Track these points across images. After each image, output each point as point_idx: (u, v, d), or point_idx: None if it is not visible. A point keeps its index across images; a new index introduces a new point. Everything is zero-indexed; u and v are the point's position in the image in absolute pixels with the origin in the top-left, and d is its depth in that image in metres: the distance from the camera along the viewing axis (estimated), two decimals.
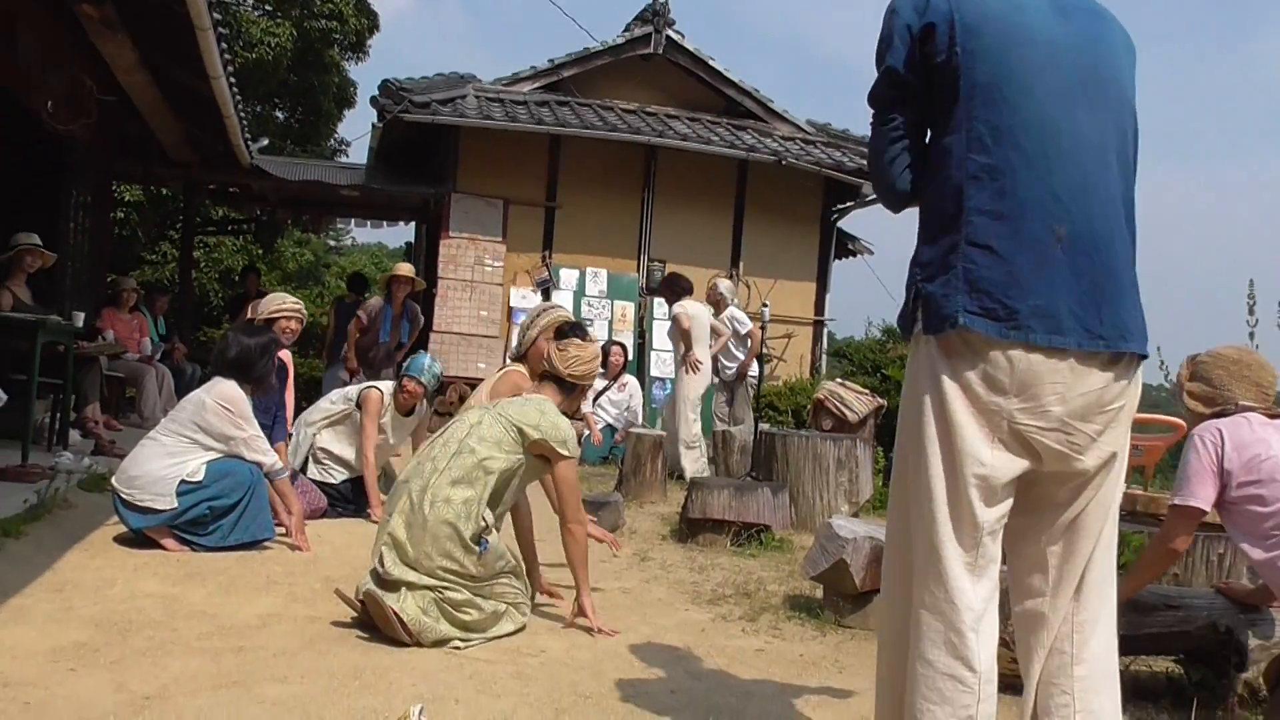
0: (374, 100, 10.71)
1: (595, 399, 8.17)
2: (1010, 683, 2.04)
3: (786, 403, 10.19)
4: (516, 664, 2.79)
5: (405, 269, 8.21)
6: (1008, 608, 1.94)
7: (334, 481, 4.93)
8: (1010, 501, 1.74)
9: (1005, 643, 2.17)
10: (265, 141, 12.60)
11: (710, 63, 11.33)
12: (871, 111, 1.83)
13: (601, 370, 7.51)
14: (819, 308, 11.63)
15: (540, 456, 3.16)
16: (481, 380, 9.96)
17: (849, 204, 11.61)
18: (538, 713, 2.41)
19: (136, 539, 3.83)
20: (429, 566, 2.88)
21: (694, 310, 7.10)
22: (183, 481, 3.83)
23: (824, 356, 11.79)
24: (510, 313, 10.49)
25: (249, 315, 6.36)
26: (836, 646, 3.24)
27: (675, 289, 7.23)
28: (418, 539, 2.90)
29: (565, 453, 3.13)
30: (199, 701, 2.28)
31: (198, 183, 10.87)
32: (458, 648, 2.87)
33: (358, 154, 20.53)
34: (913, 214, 1.86)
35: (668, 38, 10.97)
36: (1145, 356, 1.75)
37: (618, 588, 3.84)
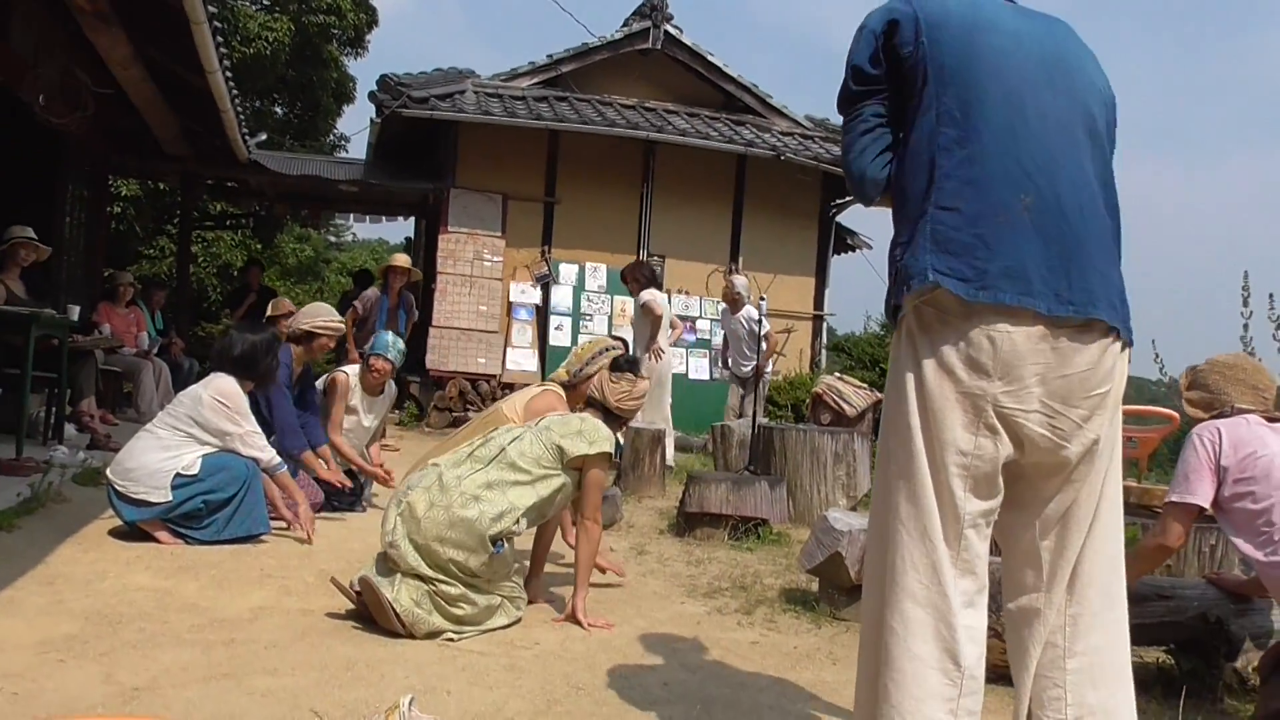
0: (372, 95, 10.69)
1: None
2: (1003, 674, 2.02)
3: (785, 397, 10.18)
4: (510, 656, 2.77)
5: (401, 259, 8.17)
6: (998, 600, 1.93)
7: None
8: (998, 498, 1.72)
9: (996, 634, 2.16)
10: (263, 136, 12.57)
11: (709, 58, 11.31)
12: (842, 116, 1.87)
13: None
14: (818, 302, 11.62)
15: (577, 469, 3.18)
16: (481, 373, 9.98)
17: (848, 199, 11.58)
18: (530, 704, 2.40)
19: (130, 532, 3.81)
20: (436, 554, 2.87)
21: (661, 299, 7.22)
22: (178, 475, 3.82)
23: (823, 351, 11.78)
24: (510, 308, 10.48)
25: (271, 314, 6.37)
26: (831, 639, 3.23)
27: (643, 277, 7.28)
28: (437, 521, 2.89)
29: (595, 451, 3.14)
30: (189, 693, 2.27)
31: (195, 177, 10.85)
32: (451, 639, 2.86)
33: (357, 149, 20.47)
34: None
35: (666, 33, 10.95)
36: (1127, 339, 1.73)
37: (614, 581, 3.82)
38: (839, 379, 7.15)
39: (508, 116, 10.01)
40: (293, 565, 3.63)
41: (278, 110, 16.93)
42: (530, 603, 3.30)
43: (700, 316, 10.94)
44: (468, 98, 10.34)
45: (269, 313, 6.58)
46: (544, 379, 10.56)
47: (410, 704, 2.13)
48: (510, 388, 10.20)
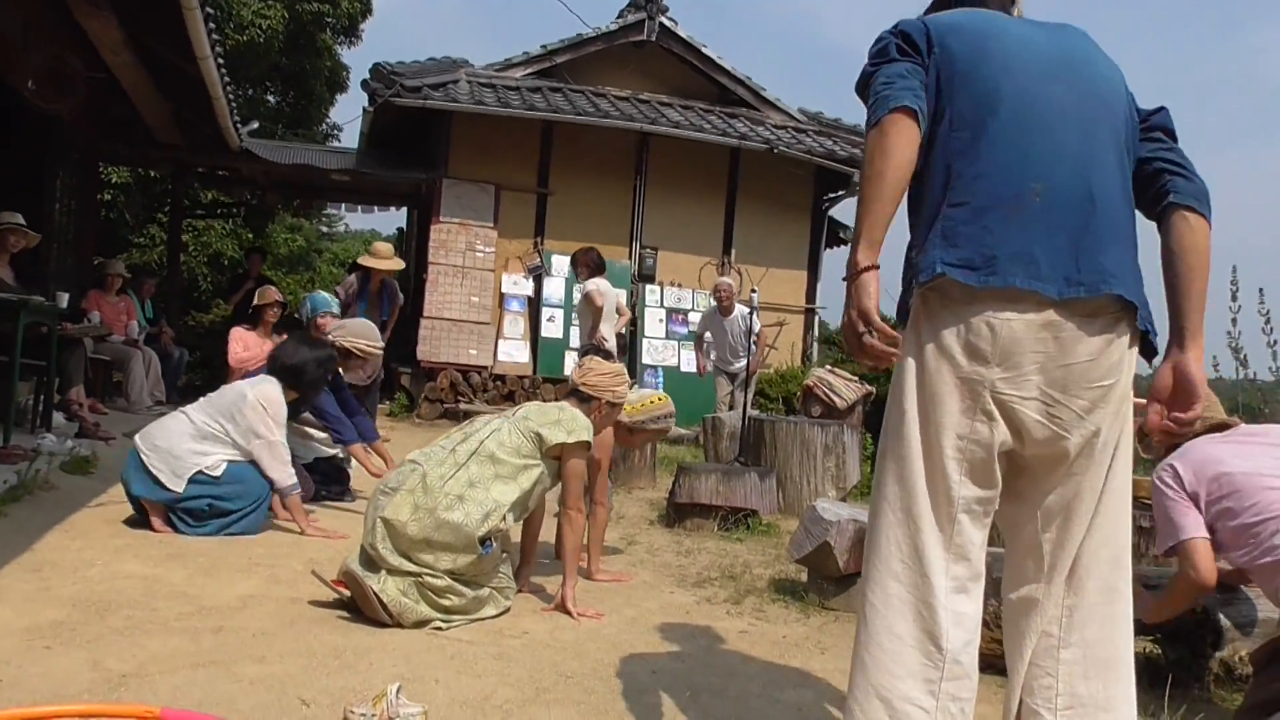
0: (365, 84, 10.65)
1: None
2: (990, 662, 2.03)
3: (777, 389, 10.20)
4: (499, 645, 2.78)
5: (377, 258, 7.86)
6: (994, 588, 1.93)
7: (306, 460, 4.89)
8: (995, 489, 1.73)
9: (986, 623, 2.16)
10: (255, 125, 12.45)
11: (703, 50, 11.29)
12: (869, 74, 1.76)
13: None
14: (810, 296, 11.64)
15: (556, 458, 3.18)
16: (472, 365, 9.91)
17: (840, 193, 11.60)
18: (518, 692, 2.40)
19: (118, 519, 3.81)
20: (424, 560, 2.87)
21: (605, 288, 7.26)
22: (200, 472, 3.83)
23: (815, 344, 11.80)
24: (502, 299, 10.47)
25: (258, 304, 6.36)
26: (819, 628, 3.24)
27: (591, 263, 7.33)
28: (423, 524, 2.87)
29: (574, 440, 3.13)
30: (176, 680, 2.26)
31: (186, 165, 10.80)
32: (439, 629, 2.86)
33: (349, 138, 20.38)
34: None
35: (660, 25, 10.92)
36: (1144, 328, 1.72)
37: (603, 569, 3.83)
38: (830, 371, 7.16)
39: (501, 107, 9.98)
40: (281, 554, 3.62)
41: (270, 98, 16.83)
42: (519, 592, 3.30)
43: (693, 309, 10.94)
44: (461, 87, 10.31)
45: (255, 302, 6.58)
46: (535, 371, 10.61)
47: (398, 692, 2.13)
48: (502, 380, 10.21)
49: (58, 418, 5.83)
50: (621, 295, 7.76)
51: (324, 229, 24.66)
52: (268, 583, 3.22)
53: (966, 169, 1.68)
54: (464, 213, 10.34)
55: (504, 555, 3.16)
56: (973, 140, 1.69)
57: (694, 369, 10.48)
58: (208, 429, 3.91)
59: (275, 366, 4.19)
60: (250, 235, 15.77)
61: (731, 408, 7.88)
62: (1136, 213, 1.80)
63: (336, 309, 5.46)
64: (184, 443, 3.86)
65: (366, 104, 10.69)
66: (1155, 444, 2.71)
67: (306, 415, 4.78)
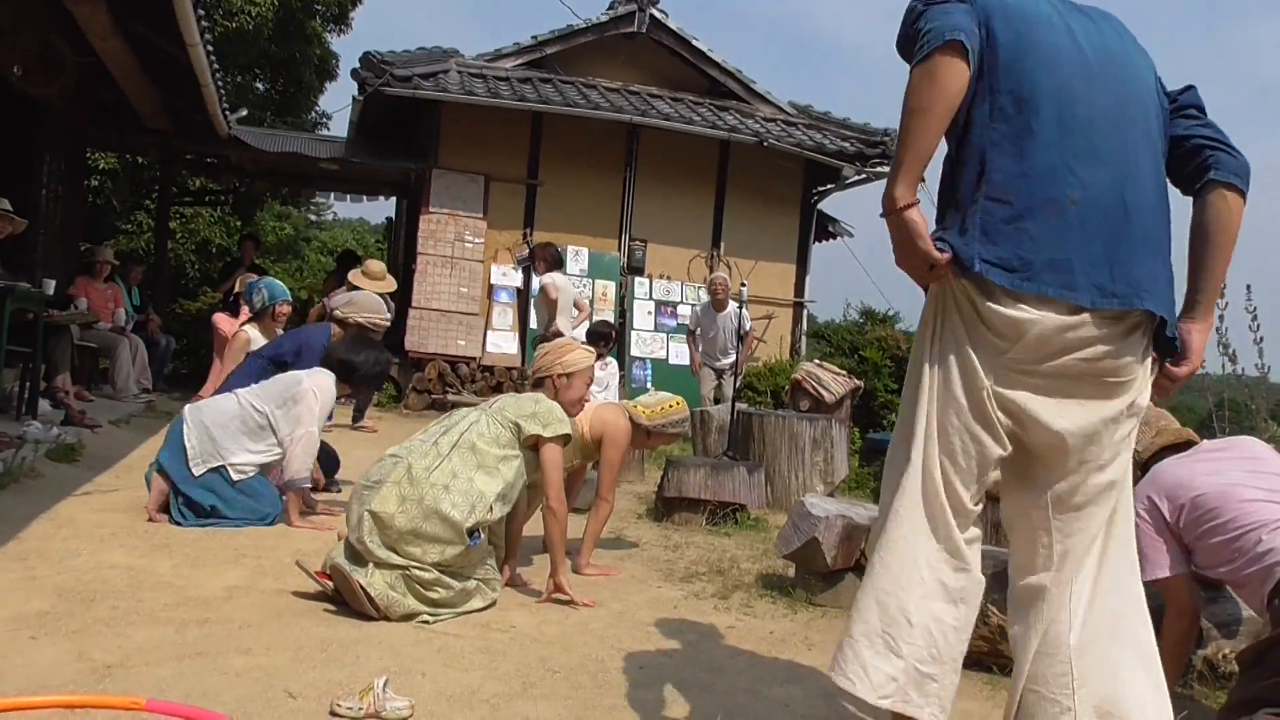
0: (355, 73, 10.57)
1: None
2: (976, 659, 2.05)
3: (765, 383, 10.21)
4: (485, 638, 2.78)
5: (373, 281, 7.75)
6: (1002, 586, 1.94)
7: None
8: (995, 473, 1.78)
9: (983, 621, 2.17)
10: (244, 112, 12.38)
11: (694, 42, 11.27)
12: (922, 9, 1.72)
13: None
14: (799, 289, 11.65)
15: (534, 448, 3.18)
16: (461, 355, 9.91)
17: (829, 186, 11.61)
18: (505, 686, 2.41)
19: (104, 509, 3.79)
20: (412, 553, 2.86)
21: (560, 282, 7.37)
22: (227, 466, 3.86)
23: (803, 338, 11.82)
24: (490, 290, 10.44)
25: (239, 290, 6.33)
26: (807, 624, 3.26)
27: (549, 258, 7.43)
28: (410, 515, 2.87)
29: (550, 434, 3.15)
30: (161, 671, 2.26)
31: (175, 152, 10.72)
32: (426, 622, 2.86)
33: (339, 127, 20.33)
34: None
35: (651, 17, 10.89)
36: (1170, 336, 1.77)
37: (592, 564, 3.83)
38: (818, 365, 7.18)
39: (491, 97, 9.94)
40: (268, 545, 3.61)
41: (259, 86, 16.69)
42: (505, 585, 3.30)
43: (681, 301, 10.94)
44: (451, 77, 10.25)
45: (235, 289, 6.56)
46: (523, 363, 10.60)
47: (384, 685, 2.13)
48: (490, 371, 10.20)
49: (44, 405, 5.80)
50: (581, 291, 7.83)
51: (312, 217, 24.52)
52: (254, 574, 3.21)
53: (1007, 166, 1.69)
54: (453, 203, 10.30)
55: (491, 547, 3.16)
56: (1013, 136, 1.70)
57: (683, 361, 10.52)
58: (254, 418, 3.96)
59: (332, 360, 4.23)
60: (239, 223, 15.68)
61: (717, 401, 7.90)
62: (1170, 217, 1.83)
63: (289, 297, 5.51)
64: (227, 429, 3.92)
65: (356, 93, 10.62)
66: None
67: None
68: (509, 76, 10.72)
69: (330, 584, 2.94)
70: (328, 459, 4.95)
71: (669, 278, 11.02)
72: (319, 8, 15.74)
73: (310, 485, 4.17)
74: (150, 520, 3.78)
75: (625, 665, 2.65)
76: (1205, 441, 2.72)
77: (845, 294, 50.93)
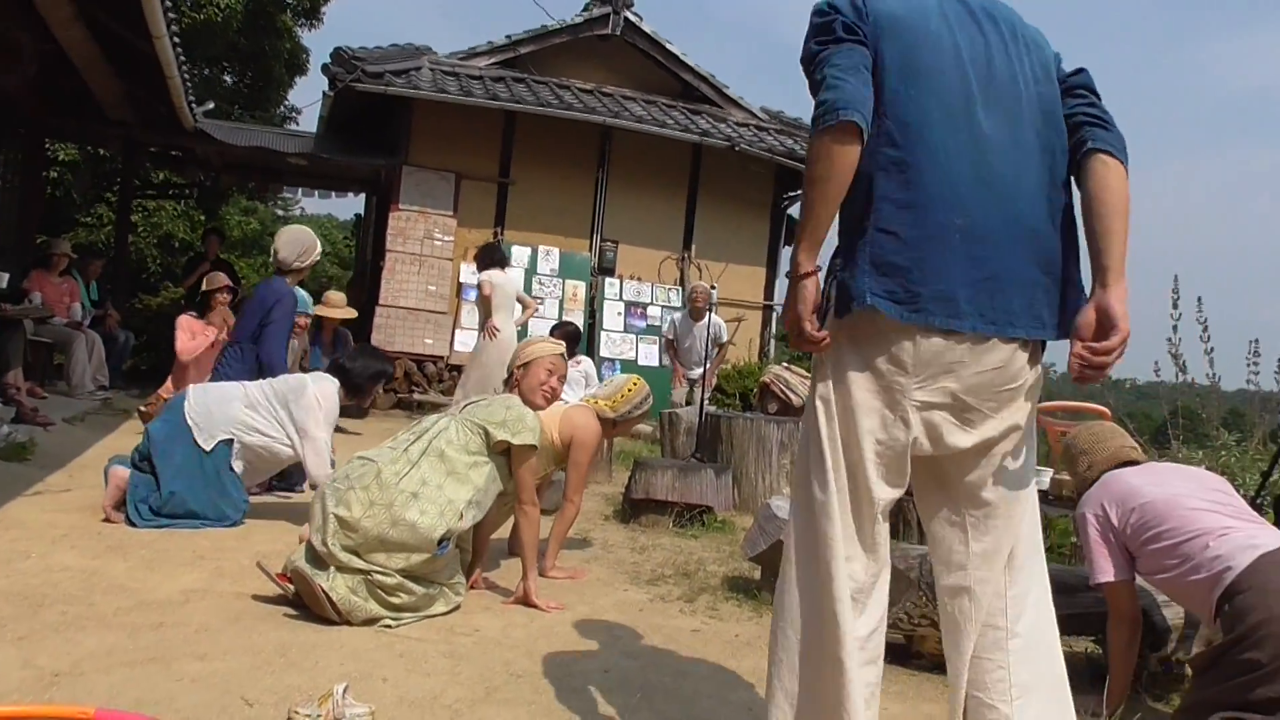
0: (326, 68, 10.45)
1: None
2: (938, 663, 2.05)
3: (734, 386, 10.23)
4: (449, 642, 2.74)
5: (332, 309, 7.75)
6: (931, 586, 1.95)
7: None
8: (903, 488, 1.79)
9: (933, 622, 2.18)
10: (211, 105, 12.15)
11: (667, 46, 11.27)
12: (816, 53, 1.76)
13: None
14: (769, 292, 11.69)
15: (504, 454, 3.15)
16: (428, 354, 9.87)
17: (800, 191, 11.63)
18: (468, 691, 2.37)
19: (57, 510, 3.69)
20: (376, 559, 2.82)
21: (497, 279, 7.36)
22: (221, 445, 3.87)
23: (772, 341, 11.86)
24: (459, 288, 10.36)
25: (207, 289, 6.23)
26: None
27: (485, 259, 7.47)
28: (378, 520, 2.82)
29: (519, 442, 3.12)
30: (113, 678, 2.20)
31: (138, 144, 10.51)
32: (389, 626, 2.81)
33: (309, 122, 20.08)
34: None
35: (626, 19, 10.88)
36: (1045, 339, 1.80)
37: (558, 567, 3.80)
38: (787, 369, 7.18)
39: (464, 95, 9.87)
40: (227, 547, 3.54)
41: (227, 79, 16.43)
42: (471, 588, 3.26)
43: (652, 303, 10.93)
44: (423, 75, 10.17)
45: (204, 287, 6.46)
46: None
47: (344, 692, 2.09)
48: (458, 370, 10.10)
49: None
50: (520, 286, 7.86)
51: (279, 212, 24.18)
52: (212, 577, 3.14)
53: (894, 193, 1.72)
54: (423, 200, 10.21)
55: (458, 551, 3.12)
56: (900, 164, 1.72)
57: (652, 362, 10.52)
58: (261, 403, 3.98)
59: (333, 365, 4.30)
60: (203, 217, 15.44)
61: (689, 402, 7.90)
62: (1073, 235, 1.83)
63: (310, 310, 5.55)
64: (231, 406, 3.93)
65: (327, 88, 10.50)
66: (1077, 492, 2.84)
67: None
68: (482, 75, 10.65)
69: (291, 587, 2.89)
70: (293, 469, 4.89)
71: (640, 279, 11.01)
72: (290, 2, 15.54)
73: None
74: (106, 520, 3.69)
75: (590, 669, 2.63)
76: (1153, 462, 2.79)
77: None
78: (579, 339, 8.00)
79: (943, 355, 1.72)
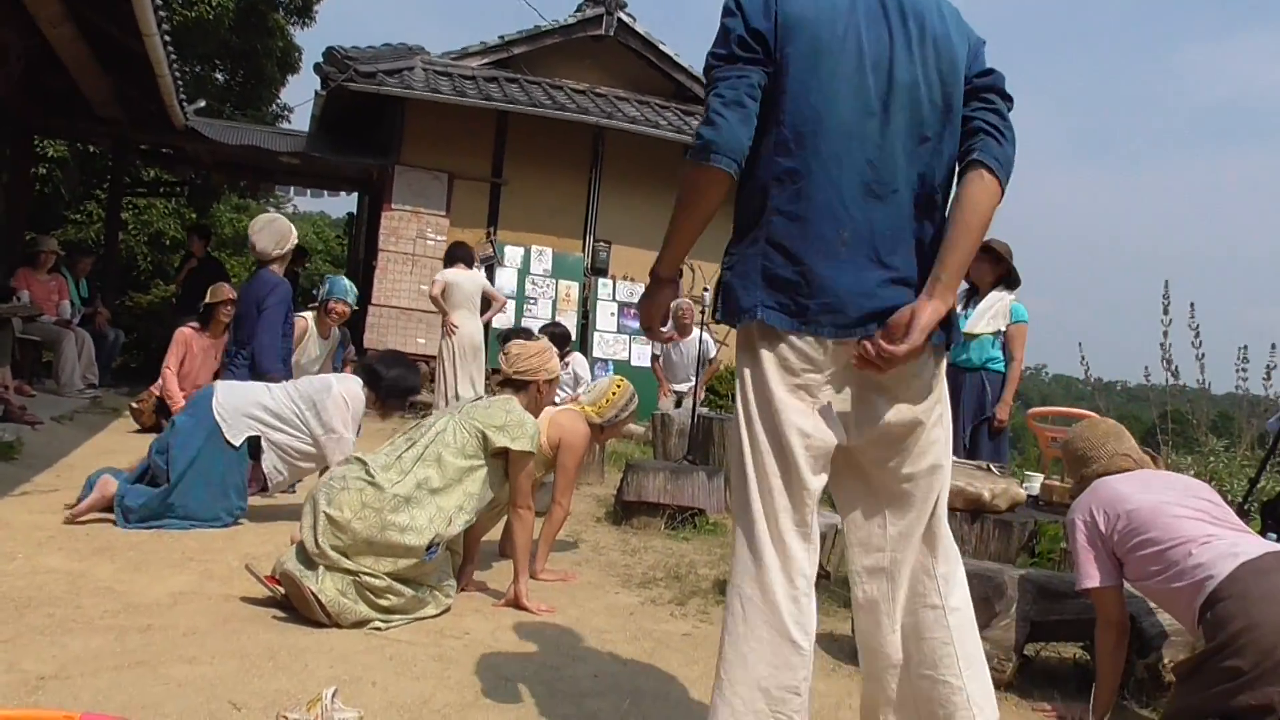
0: (318, 68, 10.42)
1: None
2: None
3: (726, 387, 10.23)
4: (439, 646, 2.73)
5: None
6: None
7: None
8: (825, 475, 1.84)
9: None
10: (202, 103, 12.10)
11: (661, 47, 11.28)
12: (709, 68, 1.79)
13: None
14: None
15: (500, 457, 3.14)
16: (420, 354, 9.88)
17: None
18: (458, 695, 2.36)
19: (45, 510, 3.66)
20: (365, 562, 2.81)
21: (450, 278, 7.45)
22: (264, 438, 3.93)
23: None
24: None
25: (210, 301, 6.12)
26: None
27: (447, 258, 7.62)
28: (369, 524, 2.82)
29: (519, 448, 3.11)
30: (99, 683, 2.18)
31: (128, 142, 10.46)
32: (378, 628, 2.80)
33: (301, 120, 20.00)
34: None
35: (619, 20, 10.89)
36: (939, 343, 1.83)
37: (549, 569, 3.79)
38: None
39: (456, 95, 9.85)
40: (216, 548, 3.52)
41: (219, 76, 16.38)
42: (462, 590, 3.25)
43: None
44: (416, 74, 10.15)
45: (207, 299, 6.30)
46: (489, 362, 10.57)
47: (333, 696, 2.08)
48: None
49: None
50: (485, 284, 7.89)
51: (272, 209, 24.14)
52: (200, 579, 3.13)
53: (786, 205, 1.76)
54: (416, 200, 10.19)
55: (448, 553, 3.11)
56: (792, 174, 1.76)
57: (645, 364, 10.50)
58: (286, 407, 4.01)
59: (367, 369, 4.31)
60: (194, 214, 15.36)
61: (678, 407, 7.88)
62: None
63: (353, 300, 5.70)
64: (256, 406, 3.98)
65: (319, 87, 10.47)
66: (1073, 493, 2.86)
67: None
68: (475, 75, 10.64)
69: (280, 589, 2.87)
70: None
71: (633, 279, 11.00)
72: (283, 0, 15.50)
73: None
74: (75, 521, 3.63)
75: (580, 674, 2.62)
76: (1142, 471, 2.79)
77: None
78: (568, 341, 8.00)
79: (839, 356, 1.78)
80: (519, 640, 2.86)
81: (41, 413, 5.83)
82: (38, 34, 6.63)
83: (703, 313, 7.30)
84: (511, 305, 10.48)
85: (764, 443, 1.80)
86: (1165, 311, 6.07)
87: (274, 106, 17.57)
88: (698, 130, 1.77)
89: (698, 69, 11.53)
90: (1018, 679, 2.89)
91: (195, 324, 6.30)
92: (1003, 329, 4.94)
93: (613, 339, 10.82)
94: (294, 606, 2.82)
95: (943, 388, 1.90)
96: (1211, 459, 5.77)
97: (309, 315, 5.55)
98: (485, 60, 10.96)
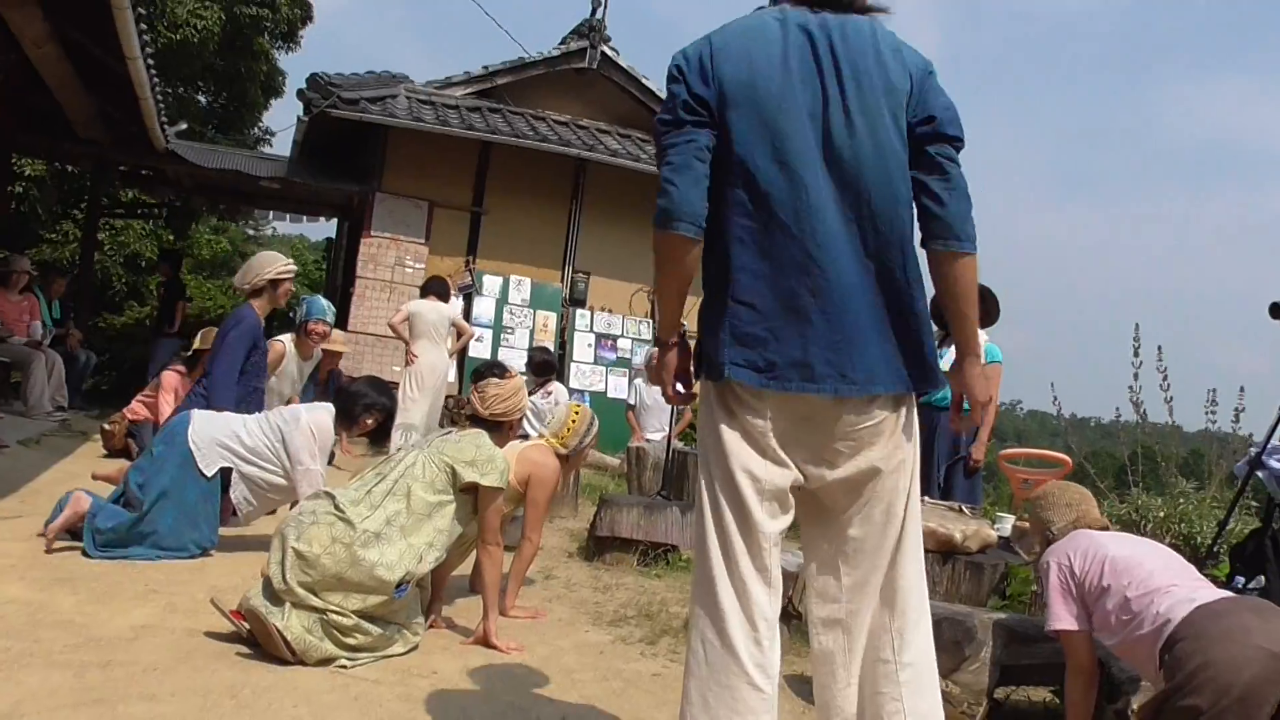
0: (301, 93, 10.45)
1: None
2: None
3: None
4: (405, 685, 2.70)
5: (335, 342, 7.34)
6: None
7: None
8: (788, 517, 1.87)
9: None
10: (183, 126, 12.08)
11: (644, 81, 11.40)
12: (658, 133, 1.86)
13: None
14: None
15: (469, 492, 3.12)
16: (395, 381, 9.87)
17: None
18: None
19: (8, 538, 3.59)
20: (333, 599, 2.78)
21: (415, 308, 7.61)
22: (237, 471, 3.90)
23: None
24: None
25: (198, 347, 6.01)
26: None
27: (421, 289, 7.77)
28: (338, 559, 2.79)
29: (488, 484, 3.10)
30: None
31: (108, 162, 10.41)
32: (344, 667, 2.76)
33: (282, 145, 20.00)
34: None
35: (603, 54, 11.00)
36: (914, 390, 1.87)
37: (519, 606, 3.76)
38: None
39: (440, 124, 9.90)
40: (181, 580, 3.47)
41: (201, 99, 16.37)
42: (429, 628, 3.22)
43: (622, 335, 10.96)
44: (400, 102, 10.19)
45: (195, 345, 6.19)
46: (460, 391, 10.53)
47: None
48: None
49: None
50: (454, 315, 7.86)
51: (250, 232, 24.01)
52: (164, 612, 3.08)
53: (749, 264, 1.81)
54: (395, 227, 10.20)
55: (417, 590, 3.08)
56: (753, 232, 1.80)
57: (621, 395, 10.52)
58: (257, 440, 3.98)
59: (337, 393, 4.28)
60: (171, 237, 15.27)
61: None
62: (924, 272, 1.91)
63: (330, 318, 5.60)
64: (229, 436, 3.95)
65: (302, 113, 10.49)
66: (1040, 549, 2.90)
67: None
68: (458, 105, 10.70)
69: (245, 625, 2.83)
70: None
71: (611, 311, 11.03)
72: (268, 25, 15.54)
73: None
74: (44, 536, 3.59)
75: (547, 714, 2.60)
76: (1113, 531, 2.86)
77: None
78: (553, 369, 7.99)
79: (798, 409, 1.82)
80: (487, 679, 2.83)
81: (8, 436, 5.74)
82: (19, 51, 6.61)
83: None
84: (489, 335, 10.47)
85: (719, 486, 1.85)
86: (1135, 354, 6.16)
87: (256, 130, 17.58)
88: (657, 198, 1.82)
89: None
90: None
91: (181, 367, 6.24)
92: None
93: (590, 370, 10.82)
94: (259, 643, 2.78)
95: (905, 436, 1.90)
96: (1181, 500, 5.83)
97: (287, 339, 5.49)
98: (469, 90, 11.03)
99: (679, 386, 1.96)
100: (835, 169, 1.80)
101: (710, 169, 1.82)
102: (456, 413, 9.28)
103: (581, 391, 10.63)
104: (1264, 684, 2.17)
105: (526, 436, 4.25)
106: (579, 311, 10.89)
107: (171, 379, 6.16)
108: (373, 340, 10.00)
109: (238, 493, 3.96)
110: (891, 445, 1.87)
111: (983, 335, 5.02)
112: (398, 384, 9.88)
